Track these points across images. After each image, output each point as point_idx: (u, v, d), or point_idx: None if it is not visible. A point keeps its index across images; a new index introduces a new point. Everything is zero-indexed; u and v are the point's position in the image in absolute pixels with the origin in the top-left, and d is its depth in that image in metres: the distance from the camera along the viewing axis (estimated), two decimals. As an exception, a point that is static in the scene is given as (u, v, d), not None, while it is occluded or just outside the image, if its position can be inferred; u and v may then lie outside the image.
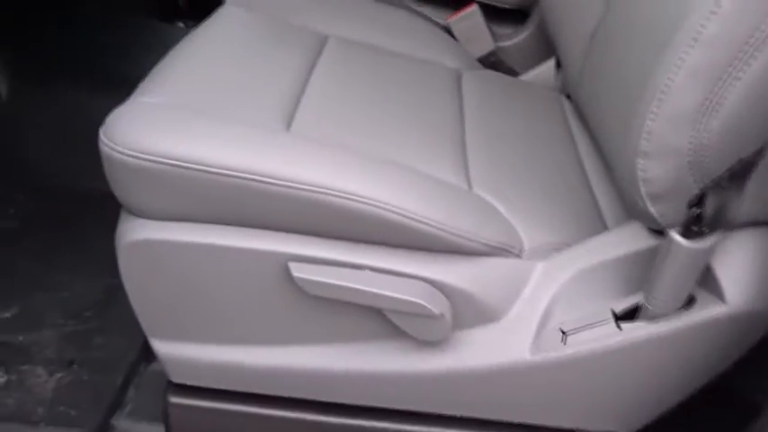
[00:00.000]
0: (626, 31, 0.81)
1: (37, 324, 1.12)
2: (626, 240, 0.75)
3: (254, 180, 0.71)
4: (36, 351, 1.08)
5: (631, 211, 0.75)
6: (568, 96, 1.12)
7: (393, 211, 0.72)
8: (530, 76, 1.21)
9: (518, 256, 0.77)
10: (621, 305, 0.74)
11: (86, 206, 1.24)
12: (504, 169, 0.88)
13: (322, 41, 1.03)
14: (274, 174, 0.71)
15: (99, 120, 0.77)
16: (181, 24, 1.65)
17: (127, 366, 1.06)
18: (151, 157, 0.72)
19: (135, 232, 0.77)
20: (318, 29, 1.06)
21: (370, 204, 0.71)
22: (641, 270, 0.73)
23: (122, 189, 0.76)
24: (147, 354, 1.01)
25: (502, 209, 0.81)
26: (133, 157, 0.72)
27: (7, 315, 1.13)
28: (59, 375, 1.06)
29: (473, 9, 1.25)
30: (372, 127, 0.86)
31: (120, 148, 0.72)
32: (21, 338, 1.10)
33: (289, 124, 0.83)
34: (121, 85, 0.87)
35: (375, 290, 0.72)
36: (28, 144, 1.41)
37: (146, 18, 1.66)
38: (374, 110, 0.91)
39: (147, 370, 1.07)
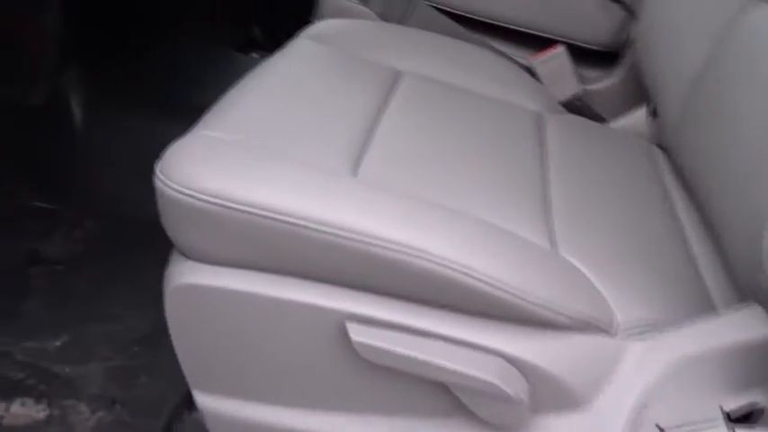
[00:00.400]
0: (746, 75, 0.71)
1: (85, 356, 1.09)
2: (742, 326, 0.65)
3: (313, 229, 0.66)
4: (81, 385, 1.06)
5: (749, 290, 0.65)
6: (662, 147, 1.03)
7: (467, 274, 0.64)
8: (619, 123, 1.13)
9: (609, 333, 0.68)
10: (734, 403, 0.63)
11: (150, 236, 1.22)
12: (593, 230, 0.79)
13: (397, 78, 0.98)
14: (337, 224, 0.65)
15: (158, 146, 0.74)
16: (255, 55, 1.64)
17: (170, 411, 1.02)
18: (206, 197, 0.67)
19: (184, 275, 0.72)
20: (394, 65, 1.01)
21: (441, 265, 0.64)
22: (760, 363, 0.62)
23: (174, 228, 0.72)
24: (192, 400, 0.96)
25: (591, 276, 0.72)
26: (187, 195, 0.67)
27: (57, 344, 1.11)
28: (101, 414, 1.03)
29: (559, 50, 1.18)
30: (446, 175, 0.80)
31: (175, 185, 0.68)
32: (67, 370, 1.08)
33: (356, 168, 0.77)
34: (191, 114, 0.84)
35: (443, 363, 0.64)
36: (100, 169, 1.41)
37: (222, 48, 1.66)
38: (448, 155, 0.84)
39: (191, 417, 1.01)
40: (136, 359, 1.09)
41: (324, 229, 0.65)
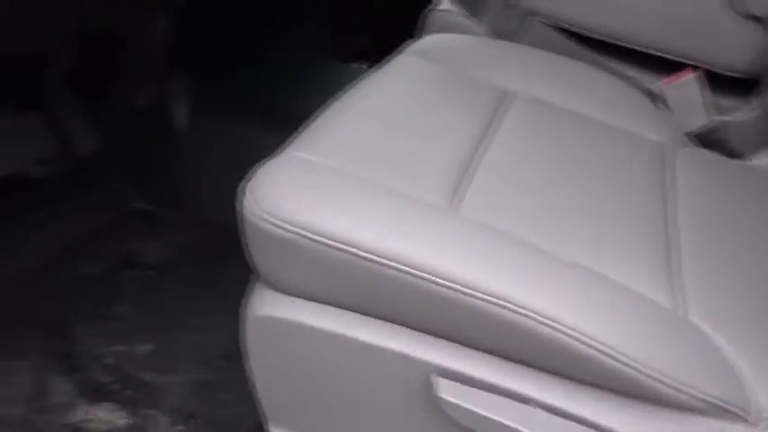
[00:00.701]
0: None
1: (169, 366, 1.09)
2: None
3: (406, 272, 0.60)
4: (162, 396, 1.05)
5: None
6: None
7: (578, 339, 0.56)
8: (760, 160, 1.00)
9: (746, 421, 0.58)
10: None
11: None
12: (727, 288, 0.69)
13: (506, 101, 0.91)
14: (433, 269, 0.60)
15: (261, 159, 0.71)
16: (362, 65, 1.61)
17: (246, 432, 0.98)
18: (292, 228, 0.63)
19: (266, 306, 0.68)
20: (503, 86, 0.94)
21: (549, 326, 0.57)
22: None
23: (256, 254, 0.68)
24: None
25: (724, 346, 0.62)
26: (273, 224, 0.63)
27: (144, 350, 1.12)
28: (179, 428, 1.02)
29: (690, 76, 1.07)
30: (556, 215, 0.72)
31: (260, 211, 0.64)
32: (151, 378, 1.08)
33: (456, 201, 0.71)
34: (293, 124, 0.81)
35: (542, 434, 0.57)
36: (201, 174, 1.42)
37: (329, 58, 1.64)
38: (559, 192, 0.76)
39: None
40: (218, 374, 1.07)
41: (418, 273, 0.59)
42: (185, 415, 1.02)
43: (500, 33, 1.13)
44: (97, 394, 1.03)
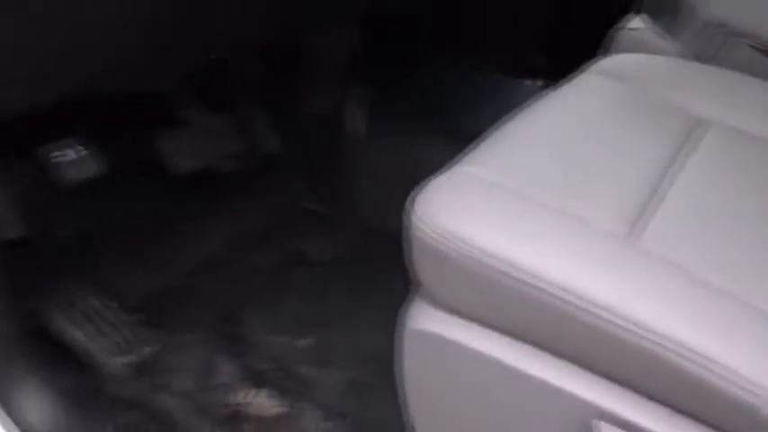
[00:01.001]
0: None
1: (326, 362, 1.13)
2: None
3: (576, 306, 0.57)
4: (318, 390, 1.09)
5: None
6: None
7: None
8: None
9: None
10: None
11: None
12: None
13: (701, 128, 0.84)
14: (608, 305, 0.56)
15: (430, 171, 0.71)
16: (537, 83, 1.57)
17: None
18: (456, 244, 0.62)
19: (424, 320, 0.68)
20: (699, 112, 0.87)
21: (742, 387, 0.51)
22: None
23: (419, 266, 0.68)
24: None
25: None
26: (437, 238, 0.63)
27: (304, 344, 1.16)
28: (330, 424, 1.04)
29: None
30: (749, 259, 0.64)
31: (426, 225, 0.64)
32: (309, 372, 1.11)
33: (638, 231, 0.65)
34: (461, 138, 0.81)
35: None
36: (370, 181, 1.46)
37: (501, 74, 1.62)
38: (755, 233, 0.68)
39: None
40: (372, 377, 1.09)
41: (590, 308, 0.56)
42: (335, 413, 1.04)
43: (698, 55, 1.04)
44: (256, 380, 1.09)
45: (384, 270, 1.24)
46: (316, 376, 1.10)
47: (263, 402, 1.07)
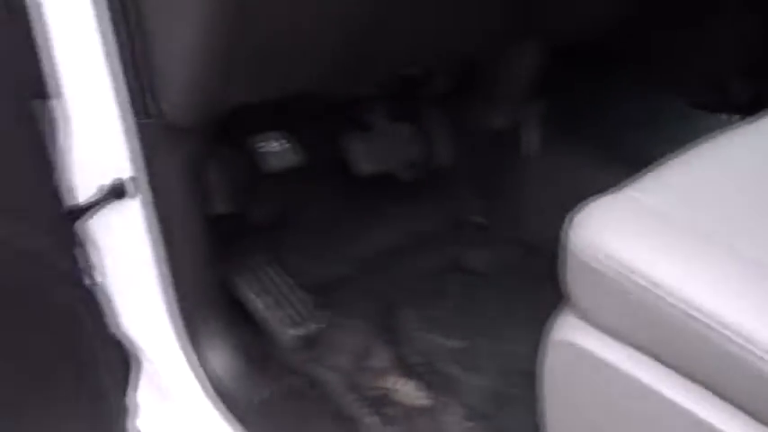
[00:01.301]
0: None
1: (472, 366, 1.17)
2: None
3: (741, 346, 0.56)
4: (461, 390, 1.13)
5: None
6: None
7: None
8: None
9: None
10: None
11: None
12: None
13: None
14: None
15: (592, 191, 0.72)
16: (723, 116, 1.50)
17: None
18: (613, 265, 0.64)
19: (571, 332, 0.70)
20: None
21: None
22: None
23: (573, 283, 0.70)
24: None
25: None
26: (593, 257, 0.65)
27: (453, 345, 1.21)
28: (471, 425, 1.08)
29: None
30: None
31: (583, 243, 0.66)
32: (454, 371, 1.16)
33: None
34: (635, 165, 0.79)
35: None
36: (534, 198, 1.47)
37: (688, 104, 1.56)
38: None
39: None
40: (514, 387, 1.11)
41: (756, 351, 0.55)
42: (479, 414, 1.08)
43: None
44: (406, 371, 1.15)
45: (537, 286, 1.27)
46: (461, 378, 1.14)
47: (409, 392, 1.13)
